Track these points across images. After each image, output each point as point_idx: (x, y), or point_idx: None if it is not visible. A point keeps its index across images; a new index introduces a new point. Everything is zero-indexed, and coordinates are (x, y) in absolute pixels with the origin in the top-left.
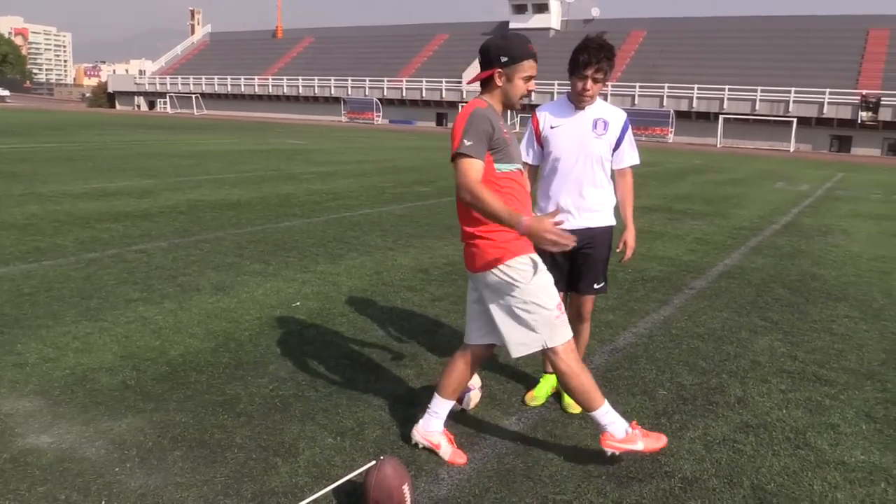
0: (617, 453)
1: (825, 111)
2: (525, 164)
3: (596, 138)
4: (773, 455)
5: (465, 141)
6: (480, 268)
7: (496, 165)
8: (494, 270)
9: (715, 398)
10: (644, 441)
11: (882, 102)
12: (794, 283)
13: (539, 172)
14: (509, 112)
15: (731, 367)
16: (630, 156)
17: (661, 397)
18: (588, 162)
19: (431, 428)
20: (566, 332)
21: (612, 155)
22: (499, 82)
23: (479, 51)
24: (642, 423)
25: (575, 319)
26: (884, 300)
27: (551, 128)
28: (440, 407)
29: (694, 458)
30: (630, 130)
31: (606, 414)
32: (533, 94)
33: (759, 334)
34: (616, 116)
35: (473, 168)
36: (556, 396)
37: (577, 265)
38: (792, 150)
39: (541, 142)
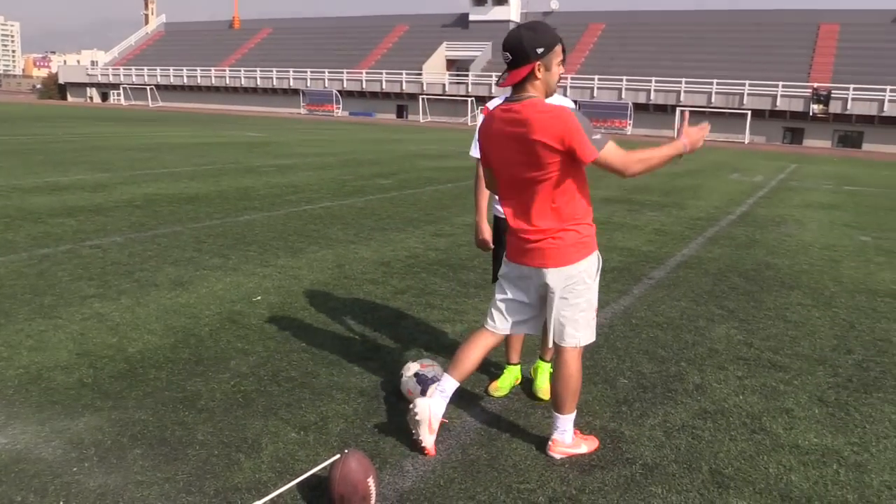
0: (563, 457)
1: (778, 104)
2: (476, 159)
3: None
4: (731, 440)
5: (594, 136)
6: (564, 262)
7: None
8: (577, 264)
9: (674, 386)
10: (586, 443)
11: (832, 95)
12: (749, 273)
13: None
14: (469, 104)
15: (690, 355)
16: None
17: (622, 386)
18: None
19: (439, 411)
20: (594, 335)
21: None
22: (539, 75)
23: (506, 50)
24: (604, 411)
25: None
26: (835, 288)
27: None
28: (450, 387)
29: (654, 445)
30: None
31: (570, 421)
32: (493, 86)
33: (716, 322)
34: (566, 106)
35: (616, 148)
36: (526, 384)
37: None
38: (747, 141)
39: None
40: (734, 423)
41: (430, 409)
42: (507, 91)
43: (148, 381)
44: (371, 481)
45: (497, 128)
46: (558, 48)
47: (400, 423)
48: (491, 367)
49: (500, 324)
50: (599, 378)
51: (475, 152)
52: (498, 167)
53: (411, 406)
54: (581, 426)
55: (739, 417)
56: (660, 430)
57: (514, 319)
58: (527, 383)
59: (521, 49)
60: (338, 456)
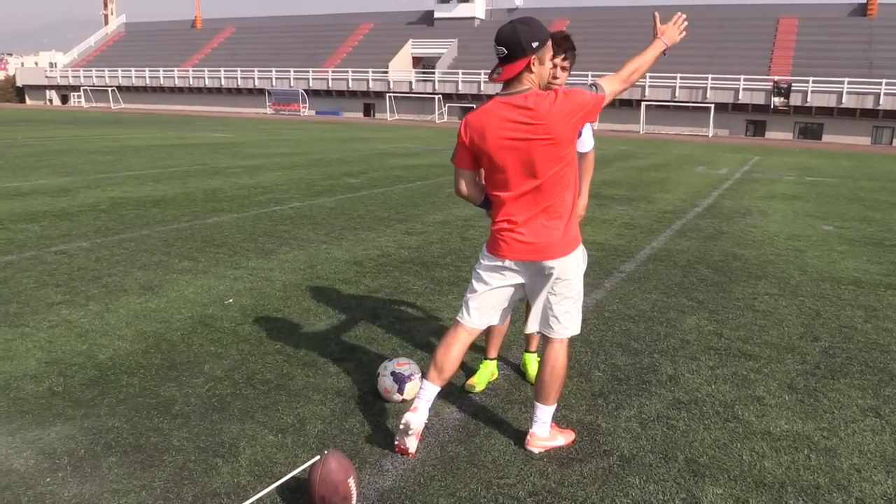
0: (541, 451)
1: (740, 97)
2: None
3: None
4: (705, 429)
5: (595, 87)
6: (562, 253)
7: None
8: (572, 255)
9: (648, 377)
10: (562, 436)
11: (792, 88)
12: (717, 264)
13: None
14: (436, 101)
15: (662, 347)
16: (588, 141)
17: (597, 378)
18: None
19: (425, 419)
20: (580, 327)
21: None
22: (534, 69)
23: (501, 44)
24: (580, 404)
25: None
26: (800, 277)
27: None
28: (433, 394)
29: (630, 436)
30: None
31: (551, 413)
32: (460, 83)
33: (686, 314)
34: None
35: (610, 80)
36: (508, 379)
37: None
38: (710, 135)
39: None
40: (707, 412)
41: (422, 422)
42: (479, 86)
43: (120, 387)
44: (352, 481)
45: (496, 122)
46: (550, 43)
47: (378, 423)
48: (467, 363)
49: (476, 318)
50: (574, 371)
51: None
52: (493, 162)
53: (405, 423)
54: (557, 419)
55: (712, 406)
56: (635, 422)
57: (491, 313)
58: (510, 378)
59: (517, 43)
60: (317, 457)
